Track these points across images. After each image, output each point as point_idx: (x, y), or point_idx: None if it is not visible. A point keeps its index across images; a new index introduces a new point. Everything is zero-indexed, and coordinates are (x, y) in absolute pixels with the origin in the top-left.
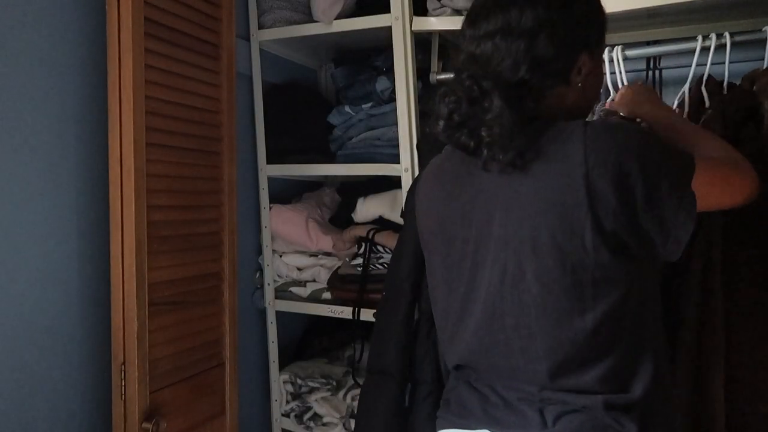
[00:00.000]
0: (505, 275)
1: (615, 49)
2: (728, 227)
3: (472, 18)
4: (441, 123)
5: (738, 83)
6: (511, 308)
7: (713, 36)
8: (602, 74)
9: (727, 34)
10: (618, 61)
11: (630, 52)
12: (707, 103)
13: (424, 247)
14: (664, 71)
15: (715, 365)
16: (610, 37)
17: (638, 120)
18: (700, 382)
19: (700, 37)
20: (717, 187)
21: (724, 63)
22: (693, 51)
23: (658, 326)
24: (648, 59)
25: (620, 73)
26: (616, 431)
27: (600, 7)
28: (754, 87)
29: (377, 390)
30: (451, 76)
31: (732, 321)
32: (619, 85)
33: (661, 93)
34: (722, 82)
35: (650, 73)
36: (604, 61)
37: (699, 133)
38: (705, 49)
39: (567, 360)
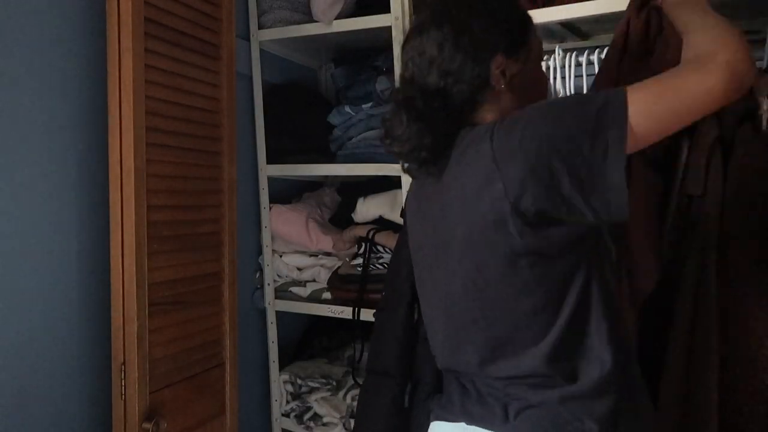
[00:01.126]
0: (456, 275)
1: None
2: (724, 226)
3: (404, 45)
4: (386, 142)
5: None
6: (468, 305)
7: None
8: (538, 74)
9: None
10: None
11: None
12: None
13: (411, 250)
14: None
15: (709, 366)
16: (608, 38)
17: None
18: (694, 382)
19: None
20: (667, 106)
21: None
22: None
23: (610, 314)
24: None
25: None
26: (576, 428)
27: (511, 10)
28: (753, 87)
29: (377, 390)
30: None
31: (728, 321)
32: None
33: None
34: None
35: None
36: (541, 60)
37: (701, 25)
38: None
39: (518, 351)
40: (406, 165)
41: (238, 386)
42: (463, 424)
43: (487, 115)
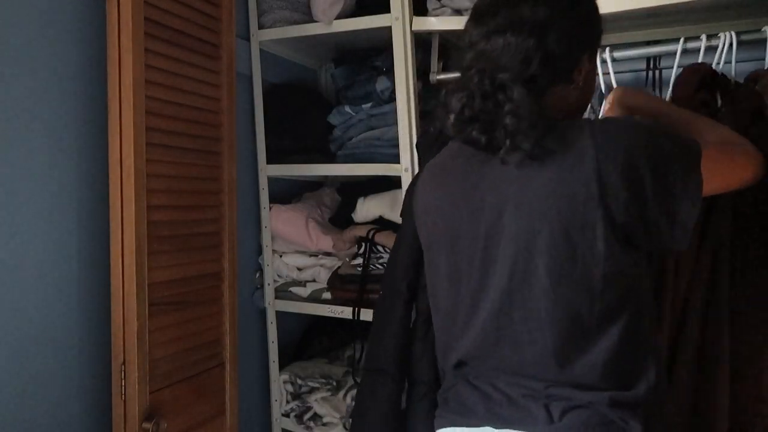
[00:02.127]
0: (515, 269)
1: (605, 50)
2: (736, 226)
3: (478, 16)
4: (452, 117)
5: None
6: (520, 301)
7: (722, 35)
8: (595, 75)
9: (732, 34)
10: (608, 62)
11: (618, 54)
12: (719, 102)
13: (427, 247)
14: (663, 71)
15: (719, 366)
16: (607, 38)
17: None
18: (704, 381)
19: (704, 37)
20: (723, 168)
21: (722, 63)
22: (691, 50)
23: (653, 325)
24: (648, 59)
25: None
26: (620, 428)
27: (598, 9)
28: (757, 86)
29: (373, 389)
30: (455, 75)
31: (738, 321)
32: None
33: (660, 93)
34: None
35: (650, 73)
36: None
37: (698, 119)
38: (696, 50)
39: (574, 354)
40: (507, 142)
41: (238, 386)
42: (489, 429)
43: (552, 105)
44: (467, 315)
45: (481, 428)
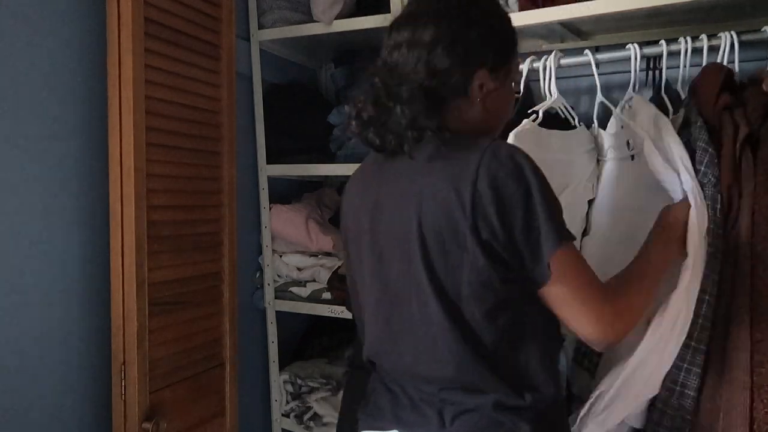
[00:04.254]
0: (402, 270)
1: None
2: (755, 225)
3: (391, 29)
4: (353, 122)
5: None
6: (410, 301)
7: (723, 36)
8: (510, 96)
9: (733, 34)
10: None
11: (564, 61)
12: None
13: (345, 243)
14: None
15: (740, 363)
16: (608, 38)
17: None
18: (725, 379)
19: (704, 37)
20: (569, 283)
21: (725, 63)
22: (692, 51)
23: (546, 346)
24: (648, 59)
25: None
26: (508, 428)
27: (506, 31)
28: (763, 86)
29: (356, 384)
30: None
31: (756, 319)
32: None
33: (660, 93)
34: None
35: (650, 73)
36: (515, 84)
37: (650, 275)
38: (697, 50)
39: (459, 358)
40: (387, 145)
41: (237, 386)
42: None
43: (454, 120)
44: (371, 313)
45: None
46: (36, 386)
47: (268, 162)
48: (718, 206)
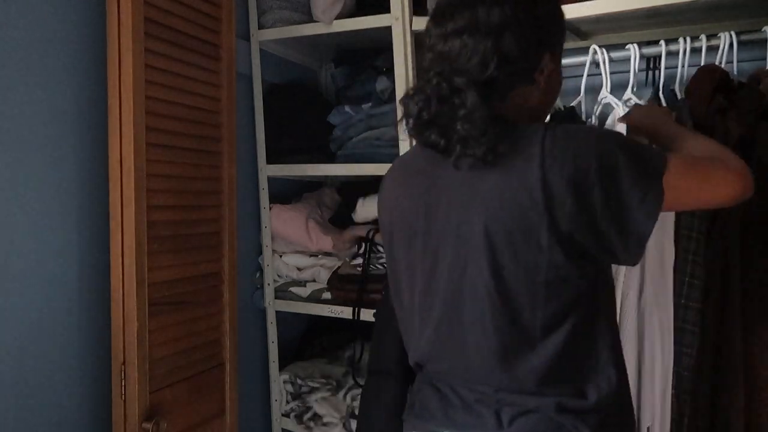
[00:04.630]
0: (464, 270)
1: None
2: (745, 233)
3: (438, 16)
4: (411, 121)
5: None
6: (468, 303)
7: (722, 35)
8: (560, 77)
9: (733, 34)
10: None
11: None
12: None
13: (388, 243)
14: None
15: (734, 370)
16: (608, 38)
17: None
18: (720, 386)
19: (703, 37)
20: (694, 183)
21: (724, 63)
22: (692, 50)
23: (614, 336)
24: (648, 59)
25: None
26: (568, 431)
27: (560, 11)
28: (760, 86)
29: (378, 390)
30: None
31: (749, 324)
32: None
33: (658, 93)
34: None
35: (650, 73)
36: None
37: (692, 134)
38: (696, 50)
39: (518, 359)
40: (459, 151)
41: (237, 386)
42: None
43: (514, 107)
44: (421, 316)
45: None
46: (36, 386)
47: (268, 162)
48: (698, 211)
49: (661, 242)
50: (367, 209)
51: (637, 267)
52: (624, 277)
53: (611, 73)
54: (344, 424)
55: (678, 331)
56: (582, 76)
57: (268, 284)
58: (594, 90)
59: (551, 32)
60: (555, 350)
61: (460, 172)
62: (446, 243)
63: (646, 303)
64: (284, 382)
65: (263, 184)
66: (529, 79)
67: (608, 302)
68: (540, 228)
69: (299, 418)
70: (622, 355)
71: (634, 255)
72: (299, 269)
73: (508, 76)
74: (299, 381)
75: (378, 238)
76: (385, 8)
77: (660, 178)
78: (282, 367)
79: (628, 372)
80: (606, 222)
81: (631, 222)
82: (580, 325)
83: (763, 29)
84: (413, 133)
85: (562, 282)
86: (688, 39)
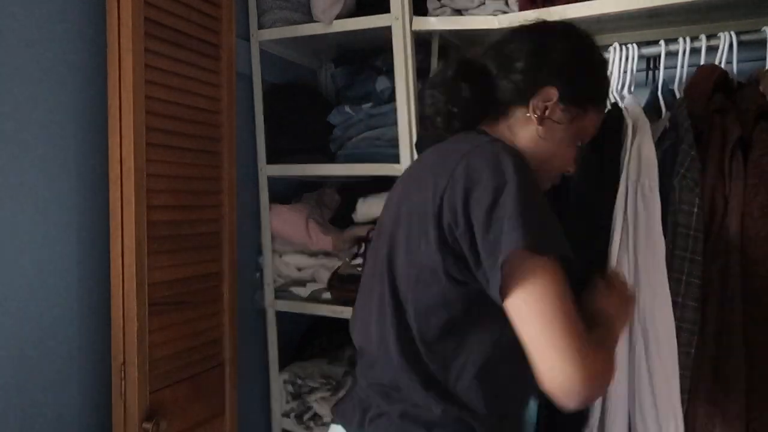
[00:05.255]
0: (384, 267)
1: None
2: (744, 229)
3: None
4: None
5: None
6: (374, 289)
7: (722, 36)
8: (570, 148)
9: (732, 34)
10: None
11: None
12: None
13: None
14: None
15: (734, 366)
16: (608, 37)
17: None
18: (720, 386)
19: (703, 37)
20: (534, 319)
21: (723, 63)
22: (692, 50)
23: (492, 361)
24: (648, 59)
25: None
26: None
27: (595, 80)
28: (760, 87)
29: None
30: None
31: (750, 334)
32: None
33: (657, 93)
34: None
35: (650, 73)
36: (580, 142)
37: (613, 334)
38: (696, 51)
39: (385, 356)
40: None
41: (237, 386)
42: (340, 427)
43: (505, 130)
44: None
45: (337, 425)
46: (36, 386)
47: (268, 162)
48: (695, 210)
49: (652, 239)
50: (367, 209)
51: (626, 266)
52: None
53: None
54: None
55: (675, 329)
56: None
57: (268, 284)
58: None
59: (564, 73)
60: (423, 354)
61: (412, 171)
62: (389, 228)
63: (645, 303)
64: (284, 382)
65: (263, 184)
66: (521, 97)
67: (477, 329)
68: (430, 213)
69: (299, 418)
70: (499, 388)
71: (494, 282)
72: (299, 269)
73: (503, 73)
74: (299, 381)
75: None
76: (385, 8)
77: (520, 240)
78: (282, 367)
79: (619, 373)
80: (480, 238)
81: (498, 246)
82: (444, 338)
83: (763, 29)
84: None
85: (432, 275)
86: (688, 39)
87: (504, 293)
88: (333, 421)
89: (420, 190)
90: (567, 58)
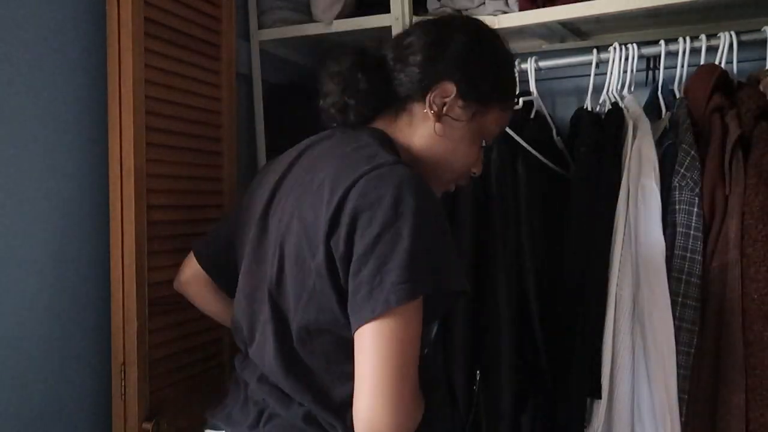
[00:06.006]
0: (265, 260)
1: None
2: (744, 227)
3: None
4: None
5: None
6: (263, 296)
7: (722, 35)
8: (471, 147)
9: (732, 34)
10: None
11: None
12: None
13: (241, 205)
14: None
15: (734, 365)
16: (608, 37)
17: None
18: (720, 386)
19: (703, 37)
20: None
21: (723, 63)
22: (692, 50)
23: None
24: (648, 59)
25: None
26: None
27: (498, 77)
28: (760, 86)
29: None
30: None
31: (750, 334)
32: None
33: (657, 93)
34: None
35: (650, 73)
36: (484, 143)
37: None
38: (696, 51)
39: (285, 363)
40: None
41: None
42: None
43: (399, 131)
44: (237, 299)
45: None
46: (35, 386)
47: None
48: (695, 209)
49: (651, 239)
50: None
51: (628, 266)
52: (617, 278)
53: (602, 74)
54: None
55: (675, 329)
56: (581, 76)
57: None
58: (595, 90)
59: (463, 68)
60: (302, 361)
61: (313, 155)
62: (266, 225)
63: (645, 302)
64: None
65: None
66: (417, 89)
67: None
68: (321, 233)
69: None
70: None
71: (356, 321)
72: None
73: (399, 62)
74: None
75: None
76: (385, 8)
77: (406, 294)
78: None
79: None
80: (354, 274)
81: (371, 296)
82: (327, 357)
83: (763, 29)
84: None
85: (320, 297)
86: (688, 39)
87: (358, 327)
88: None
89: (314, 201)
90: (466, 51)
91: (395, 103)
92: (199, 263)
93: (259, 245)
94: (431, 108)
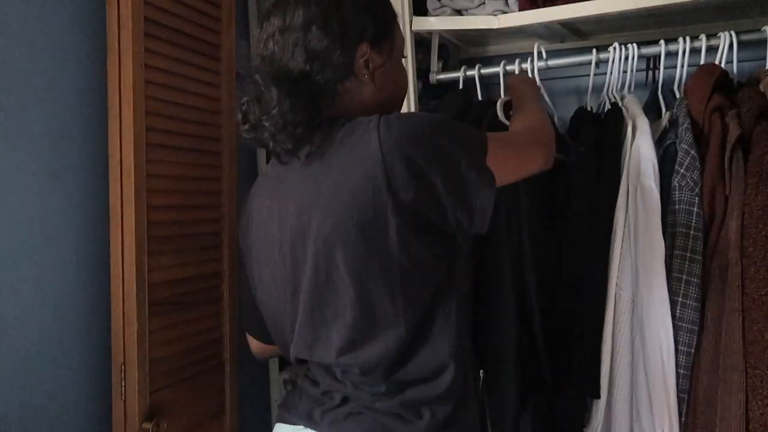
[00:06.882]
0: (319, 269)
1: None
2: (745, 226)
3: (258, 22)
4: (241, 127)
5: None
6: (329, 301)
7: (722, 35)
8: (400, 69)
9: (732, 34)
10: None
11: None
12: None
13: (248, 255)
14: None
15: (734, 365)
16: (609, 38)
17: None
18: (720, 386)
19: (703, 37)
20: (510, 161)
21: (723, 63)
22: (692, 50)
23: (456, 325)
24: (648, 59)
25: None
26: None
27: (380, 2)
28: (760, 86)
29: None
30: (455, 74)
31: (750, 334)
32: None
33: (656, 93)
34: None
35: (650, 73)
36: (402, 57)
37: (531, 108)
38: (696, 50)
39: (368, 346)
40: (275, 148)
41: (238, 386)
42: (301, 427)
43: (348, 104)
44: (291, 320)
45: (296, 426)
46: (35, 386)
47: (268, 162)
48: (695, 209)
49: (651, 238)
50: None
51: (627, 266)
52: (616, 278)
53: (602, 74)
54: None
55: (674, 328)
56: (581, 76)
57: None
58: (593, 90)
59: (363, 23)
60: (396, 341)
61: (303, 171)
62: (302, 246)
63: (644, 302)
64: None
65: None
66: (349, 72)
67: (462, 293)
68: (386, 212)
69: None
70: (462, 351)
71: (480, 226)
72: None
73: (321, 70)
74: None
75: None
76: None
77: (485, 157)
78: (282, 367)
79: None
80: (449, 200)
81: (473, 199)
82: (422, 318)
83: (763, 29)
84: (247, 137)
85: (415, 266)
86: (688, 39)
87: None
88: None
89: (353, 197)
90: (355, 7)
91: (329, 94)
92: (254, 337)
93: (291, 265)
94: (363, 75)
